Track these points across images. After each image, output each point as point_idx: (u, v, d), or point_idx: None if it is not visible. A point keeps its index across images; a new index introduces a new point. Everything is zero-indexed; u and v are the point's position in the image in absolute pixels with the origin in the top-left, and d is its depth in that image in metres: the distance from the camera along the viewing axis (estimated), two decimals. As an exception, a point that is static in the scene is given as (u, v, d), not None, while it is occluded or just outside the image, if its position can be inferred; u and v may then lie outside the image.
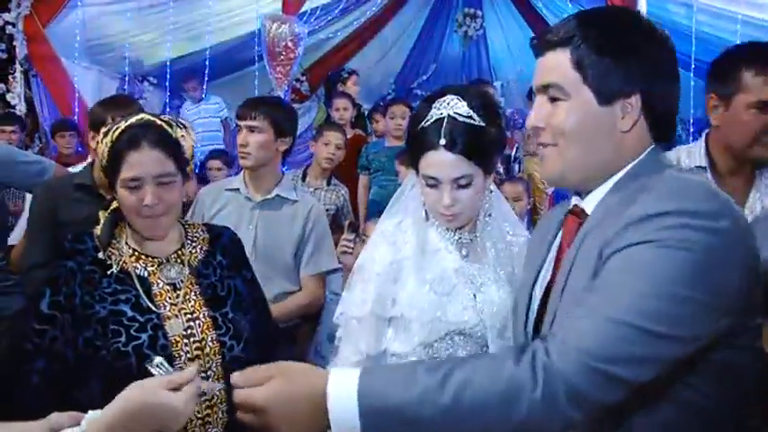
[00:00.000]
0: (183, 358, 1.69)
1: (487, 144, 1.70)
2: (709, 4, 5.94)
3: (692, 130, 6.51)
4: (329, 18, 7.15)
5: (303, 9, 6.33)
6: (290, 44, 5.93)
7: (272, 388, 1.12)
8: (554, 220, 1.42)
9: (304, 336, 2.98)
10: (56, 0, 5.93)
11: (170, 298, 1.74)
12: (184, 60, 6.89)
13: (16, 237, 3.11)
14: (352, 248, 2.71)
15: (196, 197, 2.94)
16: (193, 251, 1.83)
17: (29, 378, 1.64)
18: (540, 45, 1.29)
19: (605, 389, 1.06)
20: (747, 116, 1.94)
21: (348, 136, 4.69)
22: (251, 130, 2.69)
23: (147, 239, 1.77)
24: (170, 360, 1.67)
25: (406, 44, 8.51)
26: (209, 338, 1.73)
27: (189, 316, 1.73)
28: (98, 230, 1.74)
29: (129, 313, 1.68)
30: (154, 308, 1.71)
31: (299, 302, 2.73)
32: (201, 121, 6.54)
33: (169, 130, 1.74)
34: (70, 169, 3.20)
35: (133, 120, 1.72)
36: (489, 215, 1.81)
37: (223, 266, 1.85)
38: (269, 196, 2.75)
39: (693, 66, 5.87)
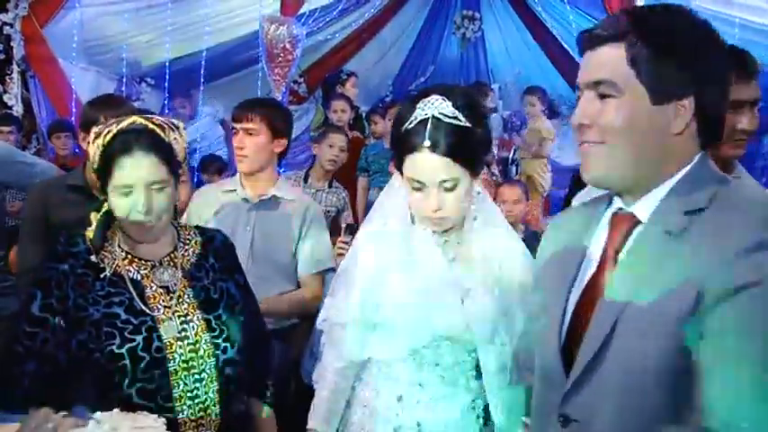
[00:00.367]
0: (176, 360, 1.69)
1: (474, 145, 1.65)
2: (706, 7, 5.94)
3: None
4: (328, 20, 7.14)
5: (302, 10, 6.32)
6: (288, 46, 5.93)
7: None
8: (585, 219, 1.36)
9: (299, 336, 2.97)
10: (53, 1, 5.92)
11: (163, 301, 1.73)
12: (183, 61, 6.88)
13: None
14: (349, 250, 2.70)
15: (191, 199, 2.93)
16: (186, 254, 1.82)
17: (19, 381, 1.63)
18: (592, 39, 1.24)
19: None
20: None
21: (350, 137, 4.70)
22: (248, 132, 2.68)
23: (140, 243, 1.76)
24: (164, 362, 1.66)
25: (405, 46, 8.52)
26: (203, 341, 1.73)
27: (183, 318, 1.73)
28: (90, 233, 1.73)
29: (123, 316, 1.68)
30: (148, 310, 1.70)
31: (303, 295, 2.71)
32: (199, 145, 6.44)
33: (161, 134, 1.72)
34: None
35: (125, 124, 1.70)
36: (475, 218, 1.77)
37: (215, 269, 1.84)
38: (265, 197, 2.74)
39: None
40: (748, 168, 2.08)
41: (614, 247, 1.26)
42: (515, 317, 1.71)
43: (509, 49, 8.37)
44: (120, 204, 1.69)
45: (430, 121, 1.61)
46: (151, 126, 1.72)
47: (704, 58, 1.20)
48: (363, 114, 6.29)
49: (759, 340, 1.06)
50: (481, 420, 1.74)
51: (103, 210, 1.75)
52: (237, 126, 2.72)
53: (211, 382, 1.72)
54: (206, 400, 1.71)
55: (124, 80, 6.75)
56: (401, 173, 1.70)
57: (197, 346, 1.72)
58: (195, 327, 1.73)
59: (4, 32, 5.90)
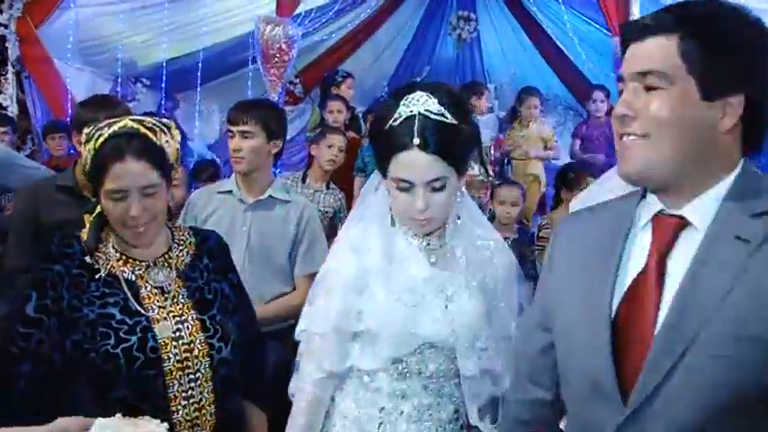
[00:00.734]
0: (171, 360, 1.69)
1: (463, 143, 1.59)
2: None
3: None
4: (323, 20, 7.14)
5: (297, 11, 6.32)
6: (284, 46, 5.92)
7: None
8: (612, 221, 1.29)
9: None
10: (48, 1, 5.91)
11: (158, 301, 1.73)
12: (179, 62, 6.88)
13: None
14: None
15: (188, 200, 2.93)
16: (180, 255, 1.82)
17: (15, 382, 1.63)
18: (640, 30, 1.19)
19: None
20: None
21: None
22: (243, 135, 2.68)
23: (134, 246, 1.76)
24: (159, 362, 1.66)
25: (400, 46, 8.50)
26: (198, 341, 1.73)
27: (177, 319, 1.73)
28: (84, 234, 1.73)
29: (118, 316, 1.68)
30: (142, 311, 1.70)
31: (292, 303, 2.72)
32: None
33: (153, 138, 1.71)
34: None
35: (116, 128, 1.70)
36: (459, 217, 1.69)
37: (210, 270, 1.84)
38: (262, 197, 2.75)
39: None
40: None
41: (661, 252, 1.19)
42: (500, 319, 1.67)
43: (505, 50, 8.37)
44: (112, 209, 1.69)
45: (417, 118, 1.54)
46: (143, 130, 1.71)
47: (757, 55, 1.16)
48: (359, 115, 6.28)
49: None
50: (465, 431, 1.69)
51: (97, 211, 1.75)
52: (233, 129, 2.72)
53: (206, 382, 1.72)
54: (201, 400, 1.71)
55: (119, 80, 6.73)
56: (383, 173, 1.63)
57: (191, 346, 1.72)
58: (190, 327, 1.73)
59: (-1, 33, 5.89)
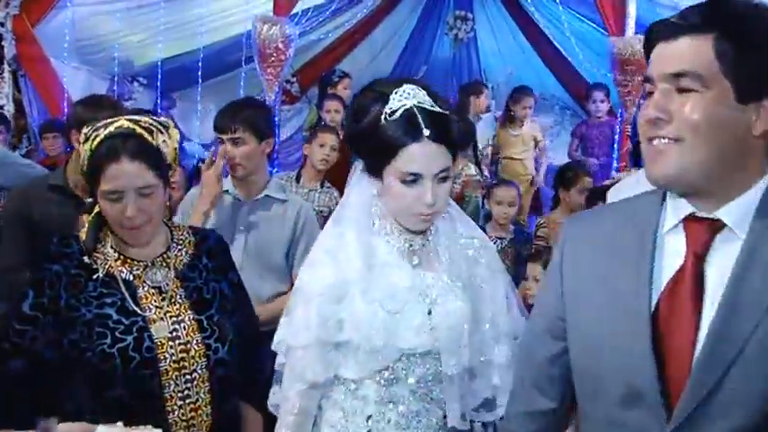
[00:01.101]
0: (168, 360, 1.69)
1: (459, 132, 1.58)
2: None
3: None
4: (320, 19, 7.13)
5: (294, 10, 6.31)
6: (280, 46, 5.90)
7: None
8: (633, 220, 1.26)
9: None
10: (45, 0, 5.89)
11: (155, 301, 1.73)
12: (175, 61, 6.87)
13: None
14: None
15: (184, 199, 2.93)
16: (179, 254, 1.82)
17: (5, 378, 1.63)
18: (670, 29, 1.15)
19: None
20: None
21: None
22: (234, 142, 2.67)
23: (132, 246, 1.76)
24: (155, 362, 1.66)
25: (397, 46, 8.50)
26: (195, 341, 1.73)
27: (174, 319, 1.73)
28: (83, 235, 1.73)
29: (115, 316, 1.68)
30: (139, 311, 1.70)
31: (281, 308, 2.70)
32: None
33: (149, 138, 1.71)
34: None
35: (112, 128, 1.70)
36: (447, 212, 1.66)
37: (209, 269, 1.84)
38: (258, 197, 2.75)
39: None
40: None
41: (697, 254, 1.16)
42: (487, 318, 1.65)
43: (501, 50, 8.37)
44: (108, 209, 1.69)
45: (417, 109, 1.51)
46: (138, 130, 1.71)
47: None
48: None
49: None
50: None
51: (95, 212, 1.75)
52: (223, 137, 2.71)
53: (203, 382, 1.72)
54: (197, 400, 1.71)
55: (116, 79, 6.72)
56: (379, 171, 1.57)
57: (188, 346, 1.72)
58: (186, 327, 1.73)
59: (-5, 32, 5.88)
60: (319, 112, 5.52)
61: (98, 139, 1.68)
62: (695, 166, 1.13)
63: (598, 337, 1.24)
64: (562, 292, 1.34)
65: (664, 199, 1.24)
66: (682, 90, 1.13)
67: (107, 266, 1.73)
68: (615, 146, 5.92)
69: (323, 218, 3.86)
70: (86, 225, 1.75)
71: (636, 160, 5.71)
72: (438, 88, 1.64)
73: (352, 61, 7.90)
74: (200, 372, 1.72)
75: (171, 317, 1.73)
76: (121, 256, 1.75)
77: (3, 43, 5.88)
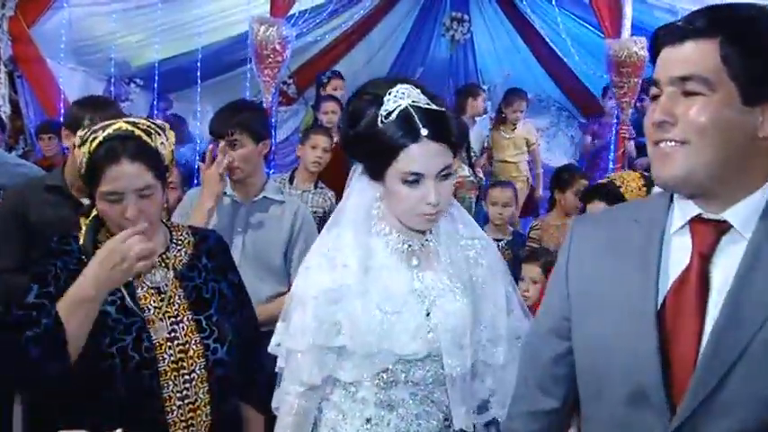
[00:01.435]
0: (166, 361, 1.69)
1: (456, 129, 1.57)
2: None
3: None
4: (317, 21, 7.13)
5: (291, 12, 6.31)
6: (277, 47, 5.90)
7: None
8: (641, 221, 1.27)
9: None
10: (41, 1, 5.88)
11: (154, 301, 1.74)
12: (172, 62, 6.86)
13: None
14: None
15: (183, 200, 2.93)
16: (178, 254, 1.82)
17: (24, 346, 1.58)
18: (675, 33, 1.17)
19: None
20: None
21: (336, 139, 4.68)
22: (231, 145, 2.68)
23: None
24: (154, 362, 1.66)
25: (394, 48, 8.51)
26: (193, 341, 1.73)
27: (173, 319, 1.73)
28: (82, 237, 1.73)
29: (114, 315, 1.68)
30: (138, 311, 1.70)
31: (276, 310, 2.71)
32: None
33: (147, 139, 1.72)
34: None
35: (110, 130, 1.70)
36: (445, 216, 1.64)
37: (208, 269, 1.84)
38: (256, 198, 2.75)
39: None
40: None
41: (703, 255, 1.17)
42: (488, 319, 1.64)
43: (498, 51, 8.39)
44: (108, 211, 1.69)
45: (413, 109, 1.51)
46: (137, 132, 1.71)
47: None
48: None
49: None
50: None
51: (93, 214, 1.75)
52: (220, 141, 2.71)
53: (201, 383, 1.72)
54: (196, 400, 1.71)
55: (113, 81, 6.72)
56: (380, 173, 1.56)
57: (187, 346, 1.72)
58: (185, 327, 1.73)
59: (-9, 33, 5.87)
60: (316, 113, 5.52)
61: (96, 142, 1.69)
62: (702, 169, 1.14)
63: (603, 337, 1.25)
64: (568, 293, 1.35)
65: (671, 200, 1.26)
66: (688, 93, 1.14)
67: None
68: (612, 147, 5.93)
69: (317, 218, 3.87)
70: (84, 228, 1.75)
71: (630, 162, 5.73)
72: (435, 89, 1.62)
73: (348, 63, 7.91)
74: (198, 372, 1.72)
75: (170, 317, 1.73)
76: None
77: (-1, 44, 5.88)
